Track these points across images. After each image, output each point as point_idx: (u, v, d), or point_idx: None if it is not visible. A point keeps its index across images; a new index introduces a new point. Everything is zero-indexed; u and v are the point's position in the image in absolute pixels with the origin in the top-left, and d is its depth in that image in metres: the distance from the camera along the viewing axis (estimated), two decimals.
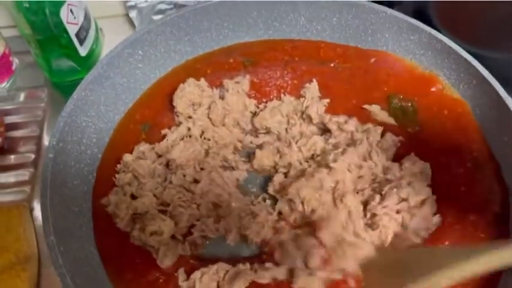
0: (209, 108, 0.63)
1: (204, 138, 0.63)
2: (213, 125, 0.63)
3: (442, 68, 0.65)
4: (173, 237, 0.56)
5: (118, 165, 0.60)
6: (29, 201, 0.67)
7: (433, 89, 0.66)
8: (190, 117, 0.64)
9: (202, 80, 0.65)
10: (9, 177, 0.70)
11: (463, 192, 0.56)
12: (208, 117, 0.64)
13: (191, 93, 0.63)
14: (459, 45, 0.63)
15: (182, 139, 0.62)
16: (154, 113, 0.66)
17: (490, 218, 0.54)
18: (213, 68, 0.69)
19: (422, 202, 0.54)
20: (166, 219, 0.55)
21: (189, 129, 0.63)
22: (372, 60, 0.69)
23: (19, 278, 0.58)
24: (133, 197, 0.58)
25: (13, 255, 0.59)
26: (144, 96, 0.68)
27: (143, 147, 0.61)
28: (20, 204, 0.66)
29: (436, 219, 0.54)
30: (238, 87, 0.64)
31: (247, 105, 0.64)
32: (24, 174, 0.70)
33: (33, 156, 0.72)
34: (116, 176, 0.59)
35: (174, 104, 0.63)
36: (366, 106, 0.64)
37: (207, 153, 0.62)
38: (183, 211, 0.55)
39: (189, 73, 0.67)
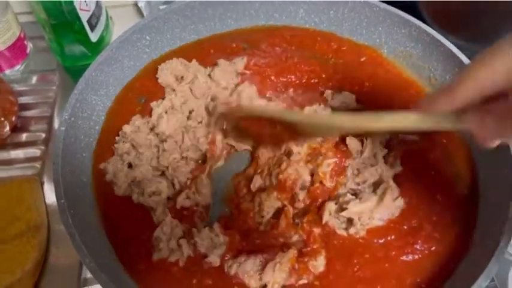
0: (192, 82, 0.68)
1: (190, 112, 0.67)
2: (194, 97, 0.68)
3: (430, 59, 0.69)
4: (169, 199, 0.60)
5: (117, 137, 0.64)
6: (40, 176, 0.71)
7: (411, 92, 0.70)
8: (174, 90, 0.68)
9: (194, 61, 0.70)
10: (22, 153, 0.74)
11: (432, 176, 0.60)
12: (190, 90, 0.68)
13: (175, 68, 0.68)
14: (447, 39, 0.67)
15: (166, 112, 0.66)
16: (152, 86, 0.70)
17: (458, 198, 0.58)
18: (216, 49, 0.73)
19: (384, 192, 0.57)
20: (162, 181, 0.59)
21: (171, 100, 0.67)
22: (362, 59, 0.74)
23: (29, 244, 0.62)
24: (130, 165, 0.62)
25: (24, 224, 0.63)
26: (149, 68, 0.72)
27: (138, 121, 0.65)
28: (31, 177, 0.70)
29: (399, 202, 0.57)
30: (231, 66, 0.69)
31: (229, 83, 0.69)
32: (35, 151, 0.74)
33: (44, 135, 0.76)
34: (115, 145, 0.63)
35: (157, 75, 0.68)
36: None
37: (189, 118, 0.67)
38: (182, 169, 0.60)
39: (193, 51, 0.72)
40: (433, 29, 0.68)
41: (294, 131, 0.54)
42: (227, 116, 0.62)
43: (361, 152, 0.61)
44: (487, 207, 0.56)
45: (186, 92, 0.67)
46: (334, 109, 0.68)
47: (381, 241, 0.56)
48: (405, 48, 0.71)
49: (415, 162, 0.61)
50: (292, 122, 0.53)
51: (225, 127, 0.63)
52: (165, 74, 0.68)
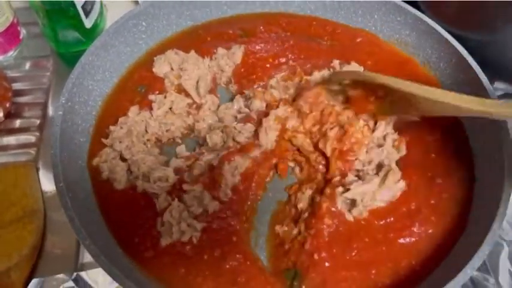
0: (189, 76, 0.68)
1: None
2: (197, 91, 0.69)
3: (425, 47, 0.70)
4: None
5: (111, 127, 0.64)
6: (35, 162, 0.71)
7: (408, 68, 0.71)
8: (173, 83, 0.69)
9: (192, 51, 0.70)
10: (16, 140, 0.73)
11: (432, 158, 0.61)
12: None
13: (172, 58, 0.69)
14: (441, 27, 0.68)
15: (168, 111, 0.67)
16: (151, 76, 0.70)
17: (456, 180, 0.59)
18: (213, 36, 0.73)
19: (386, 174, 0.58)
20: (166, 169, 0.59)
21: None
22: (358, 39, 0.74)
23: (25, 229, 0.62)
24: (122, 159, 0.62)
25: (20, 210, 0.63)
26: (147, 57, 0.72)
27: (143, 114, 0.65)
28: (26, 163, 0.69)
29: (400, 185, 0.58)
30: (229, 60, 0.70)
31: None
32: (30, 137, 0.74)
33: (38, 121, 0.75)
34: (110, 127, 0.63)
35: (153, 67, 0.69)
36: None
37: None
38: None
39: (190, 38, 0.72)
40: (428, 17, 0.68)
41: (408, 104, 0.55)
42: (345, 76, 0.61)
43: (373, 131, 0.62)
44: (482, 191, 0.58)
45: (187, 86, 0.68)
46: None
47: (381, 223, 0.57)
48: (400, 36, 0.72)
49: (417, 145, 0.62)
50: (413, 94, 0.53)
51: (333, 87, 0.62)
52: (161, 65, 0.69)
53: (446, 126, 0.64)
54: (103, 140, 0.63)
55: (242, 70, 0.70)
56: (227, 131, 0.62)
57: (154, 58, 0.70)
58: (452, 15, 0.70)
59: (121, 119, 0.64)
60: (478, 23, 0.68)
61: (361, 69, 0.69)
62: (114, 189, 0.60)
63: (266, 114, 0.63)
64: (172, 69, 0.69)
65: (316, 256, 0.54)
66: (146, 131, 0.64)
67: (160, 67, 0.69)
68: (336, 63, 0.70)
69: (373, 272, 0.54)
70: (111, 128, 0.63)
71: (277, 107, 0.63)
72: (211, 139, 0.63)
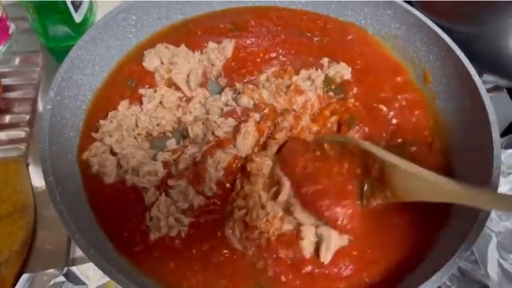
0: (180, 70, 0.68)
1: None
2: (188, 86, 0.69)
3: (414, 40, 0.70)
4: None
5: (101, 121, 0.64)
6: (25, 157, 0.70)
7: (398, 79, 0.70)
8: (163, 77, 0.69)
9: (183, 46, 0.70)
10: (5, 135, 0.73)
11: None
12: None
13: (162, 52, 0.69)
14: (431, 20, 0.68)
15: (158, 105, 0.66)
16: (141, 70, 0.69)
17: None
18: (203, 30, 0.73)
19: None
20: (156, 163, 0.59)
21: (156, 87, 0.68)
22: (350, 37, 0.74)
23: (16, 225, 0.61)
24: (112, 153, 0.62)
25: (11, 205, 0.63)
26: (137, 51, 0.72)
27: (133, 108, 0.65)
28: (16, 159, 0.69)
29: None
30: (220, 54, 0.70)
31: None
32: (19, 133, 0.73)
33: (28, 116, 0.75)
34: (100, 121, 0.63)
35: (144, 61, 0.69)
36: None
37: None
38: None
39: (181, 32, 0.72)
40: (417, 10, 0.69)
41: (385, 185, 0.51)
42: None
43: None
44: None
45: (178, 81, 0.68)
46: (329, 78, 0.68)
47: None
48: (390, 29, 0.73)
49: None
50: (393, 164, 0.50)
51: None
52: (151, 59, 0.69)
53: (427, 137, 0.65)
54: (93, 134, 0.62)
55: (232, 64, 0.70)
56: (207, 124, 0.62)
57: (145, 52, 0.70)
58: (441, 8, 0.71)
59: (111, 113, 0.64)
60: (466, 15, 0.69)
61: (349, 69, 0.69)
62: (103, 184, 0.60)
63: (252, 110, 0.63)
64: (162, 63, 0.69)
65: (283, 278, 0.54)
66: (136, 125, 0.64)
67: (151, 61, 0.69)
68: (325, 61, 0.70)
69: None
70: (101, 122, 0.63)
71: (263, 109, 0.63)
72: (193, 130, 0.62)
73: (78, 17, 0.80)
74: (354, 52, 0.72)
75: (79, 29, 0.81)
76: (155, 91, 0.66)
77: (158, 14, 0.72)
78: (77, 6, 0.78)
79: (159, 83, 0.68)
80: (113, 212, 0.58)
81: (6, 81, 0.78)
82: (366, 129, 0.63)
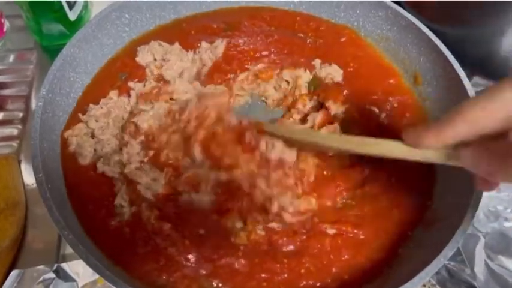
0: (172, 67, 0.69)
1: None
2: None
3: (405, 42, 0.71)
4: None
5: (91, 105, 0.64)
6: (17, 154, 0.71)
7: (391, 81, 0.71)
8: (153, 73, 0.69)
9: (177, 44, 0.71)
10: None
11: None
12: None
13: (155, 49, 0.69)
14: (421, 22, 0.68)
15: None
16: (133, 65, 0.70)
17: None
18: (197, 30, 0.74)
19: None
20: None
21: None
22: (342, 39, 0.75)
23: (7, 221, 0.61)
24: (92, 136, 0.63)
25: (2, 201, 0.63)
26: (131, 45, 0.72)
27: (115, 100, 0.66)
28: (8, 155, 0.69)
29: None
30: (212, 54, 0.70)
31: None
32: (12, 130, 0.74)
33: (21, 114, 0.75)
34: (90, 105, 0.64)
35: (137, 57, 0.69)
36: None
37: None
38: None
39: (174, 31, 0.72)
40: (409, 12, 0.69)
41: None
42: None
43: None
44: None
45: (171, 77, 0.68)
46: (319, 80, 0.69)
47: None
48: (382, 31, 0.73)
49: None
50: (283, 137, 0.56)
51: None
52: (145, 55, 0.69)
53: None
54: (79, 115, 0.63)
55: (223, 65, 0.70)
56: None
57: (138, 48, 0.70)
58: (432, 10, 0.71)
59: (103, 100, 0.65)
60: (456, 18, 0.69)
61: (340, 72, 0.70)
62: (79, 165, 0.61)
63: None
64: (155, 59, 0.70)
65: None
66: (122, 117, 0.65)
67: (144, 56, 0.69)
68: (316, 62, 0.71)
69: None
70: (91, 105, 0.64)
71: None
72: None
73: (72, 15, 0.80)
74: (347, 54, 0.72)
75: (73, 27, 0.81)
76: (144, 85, 0.67)
77: (151, 13, 0.73)
78: (71, 5, 0.79)
79: (149, 78, 0.68)
80: (86, 195, 0.58)
81: (0, 78, 0.78)
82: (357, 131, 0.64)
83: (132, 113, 0.64)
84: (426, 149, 0.42)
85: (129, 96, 0.66)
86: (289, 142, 0.58)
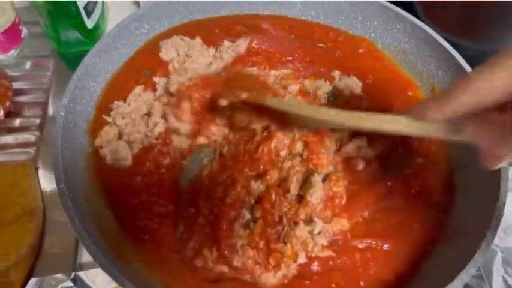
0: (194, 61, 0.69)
1: None
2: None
3: (423, 55, 0.71)
4: None
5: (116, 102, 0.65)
6: (35, 161, 0.71)
7: (409, 93, 0.71)
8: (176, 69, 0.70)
9: (198, 38, 0.71)
10: (15, 139, 0.73)
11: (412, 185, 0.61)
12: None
13: (178, 43, 0.70)
14: (440, 35, 0.68)
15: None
16: (156, 61, 0.71)
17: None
18: (221, 29, 0.74)
19: None
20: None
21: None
22: (360, 50, 0.75)
23: (24, 229, 0.62)
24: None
25: (20, 209, 0.63)
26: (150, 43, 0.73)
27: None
28: (26, 162, 0.70)
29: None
30: (233, 51, 0.71)
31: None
32: (29, 137, 0.74)
33: (38, 120, 0.75)
34: (114, 102, 0.65)
35: (160, 51, 0.70)
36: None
37: None
38: None
39: (198, 28, 0.74)
40: (427, 25, 0.69)
41: (285, 120, 0.56)
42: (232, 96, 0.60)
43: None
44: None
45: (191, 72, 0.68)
46: (338, 91, 0.69)
47: None
48: (399, 44, 0.73)
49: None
50: (284, 111, 0.54)
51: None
52: (168, 50, 0.70)
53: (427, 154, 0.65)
54: (104, 116, 0.64)
55: (245, 58, 0.71)
56: None
57: (160, 43, 0.71)
58: (451, 24, 0.71)
59: (130, 96, 0.66)
60: (476, 32, 0.69)
61: (359, 84, 0.70)
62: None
63: None
64: (178, 54, 0.70)
65: None
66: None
67: (167, 52, 0.70)
68: (336, 73, 0.71)
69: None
70: (116, 103, 0.65)
71: None
72: None
73: (90, 23, 0.81)
74: (365, 66, 0.73)
75: (91, 35, 0.82)
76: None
77: (170, 22, 0.73)
78: (89, 13, 0.79)
79: (172, 73, 0.69)
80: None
81: (17, 84, 0.78)
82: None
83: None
84: (430, 123, 0.42)
85: (155, 90, 0.67)
86: (291, 119, 0.56)
